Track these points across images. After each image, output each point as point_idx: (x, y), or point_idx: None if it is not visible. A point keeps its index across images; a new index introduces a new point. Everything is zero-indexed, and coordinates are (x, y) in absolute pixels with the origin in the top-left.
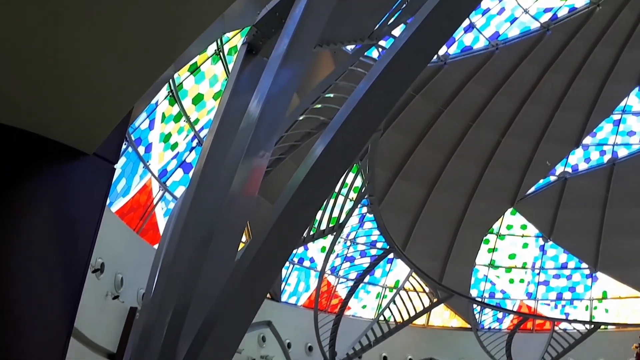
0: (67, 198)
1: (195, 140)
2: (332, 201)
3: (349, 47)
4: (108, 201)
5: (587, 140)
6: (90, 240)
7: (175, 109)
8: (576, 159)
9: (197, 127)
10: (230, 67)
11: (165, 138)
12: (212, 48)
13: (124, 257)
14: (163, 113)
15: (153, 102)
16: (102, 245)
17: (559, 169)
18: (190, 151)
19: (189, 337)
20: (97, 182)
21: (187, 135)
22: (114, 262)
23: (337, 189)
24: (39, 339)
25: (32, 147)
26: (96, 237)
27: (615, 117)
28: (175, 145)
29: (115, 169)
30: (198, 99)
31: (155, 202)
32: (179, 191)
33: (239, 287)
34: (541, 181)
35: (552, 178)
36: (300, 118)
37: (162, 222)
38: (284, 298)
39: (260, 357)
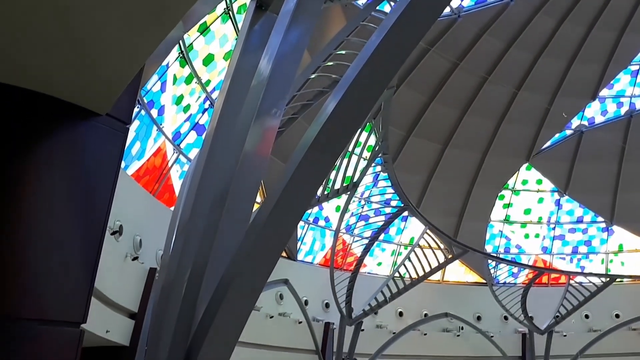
0: (82, 159)
1: (207, 102)
2: (345, 160)
3: (360, 2)
4: (123, 164)
5: (604, 92)
6: (107, 201)
7: (186, 70)
8: (593, 111)
9: (209, 89)
10: (239, 26)
11: (178, 100)
12: (221, 7)
13: (141, 220)
14: (174, 75)
15: (164, 64)
16: (120, 208)
17: (575, 122)
18: (203, 113)
19: (208, 295)
20: (111, 142)
21: (199, 98)
22: (132, 224)
23: (350, 148)
24: (60, 298)
25: (45, 108)
26: (113, 197)
27: (633, 68)
28: (188, 107)
29: (128, 129)
30: (209, 60)
31: (170, 164)
32: (193, 154)
33: (254, 246)
34: (557, 135)
35: (568, 132)
36: (312, 76)
37: (177, 185)
38: (300, 257)
39: (278, 314)
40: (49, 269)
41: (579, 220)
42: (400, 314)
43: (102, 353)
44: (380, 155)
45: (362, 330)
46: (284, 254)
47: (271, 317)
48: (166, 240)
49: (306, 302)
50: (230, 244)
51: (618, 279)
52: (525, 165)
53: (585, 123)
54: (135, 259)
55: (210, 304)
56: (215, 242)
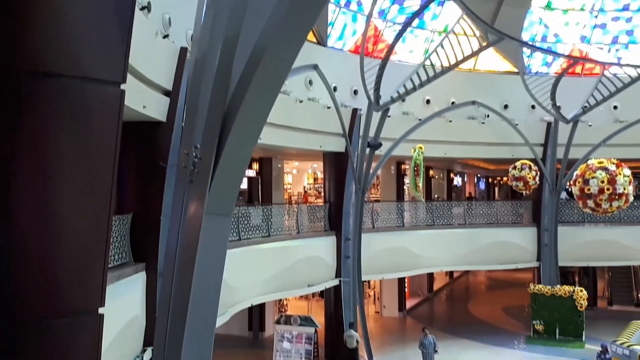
0: None
1: None
2: None
3: None
4: None
5: None
6: None
7: None
8: None
9: None
10: None
11: None
12: None
13: None
14: None
15: None
16: None
17: None
18: None
19: (240, 67)
20: None
21: None
22: (160, 1)
23: None
24: (100, 58)
25: None
26: None
27: None
28: None
29: None
30: None
31: None
32: None
33: (284, 19)
34: None
35: None
36: None
37: None
38: (330, 42)
39: (307, 99)
40: (85, 28)
41: (625, 8)
42: (428, 101)
43: (140, 128)
44: None
45: (389, 116)
46: (314, 39)
47: (300, 101)
48: (196, 15)
49: (335, 89)
50: (261, 17)
51: None
52: None
53: None
54: (165, 37)
55: (243, 76)
56: (246, 14)
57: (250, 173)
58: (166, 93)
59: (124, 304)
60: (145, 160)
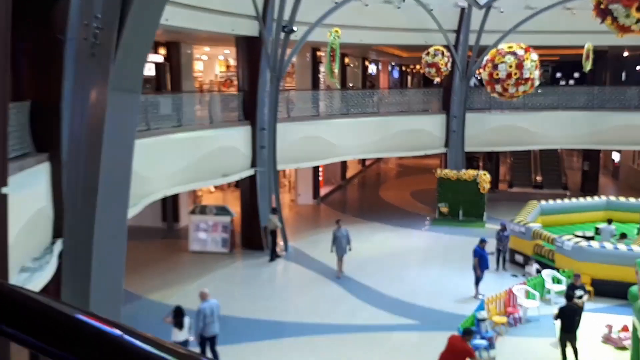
0: None
1: None
2: None
3: None
4: None
5: None
6: None
7: None
8: None
9: None
10: None
11: None
12: None
13: None
14: None
15: None
16: None
17: None
18: None
19: None
20: None
21: None
22: None
23: None
24: None
25: None
26: None
27: None
28: None
29: None
30: None
31: None
32: None
33: None
34: None
35: None
36: None
37: None
38: None
39: None
40: None
41: None
42: None
43: (35, 5)
44: None
45: None
46: None
47: None
48: None
49: None
50: None
51: None
52: None
53: None
54: None
55: None
56: None
57: (158, 59)
58: None
59: (28, 195)
60: (43, 42)
